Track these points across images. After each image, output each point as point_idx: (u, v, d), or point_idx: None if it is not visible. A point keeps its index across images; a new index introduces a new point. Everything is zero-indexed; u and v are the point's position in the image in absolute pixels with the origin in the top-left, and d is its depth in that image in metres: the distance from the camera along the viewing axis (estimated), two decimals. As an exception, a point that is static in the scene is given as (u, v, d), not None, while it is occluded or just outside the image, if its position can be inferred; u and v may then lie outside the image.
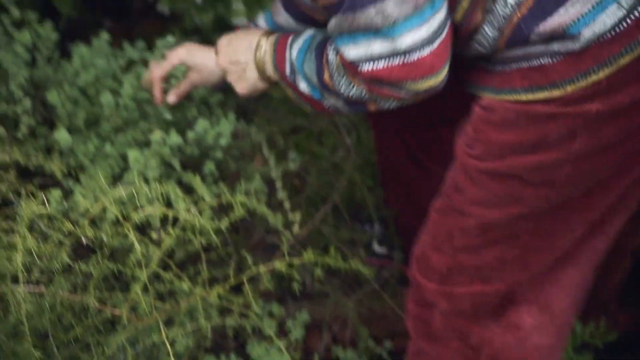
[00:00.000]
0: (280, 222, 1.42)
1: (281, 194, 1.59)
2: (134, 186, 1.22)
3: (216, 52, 1.38)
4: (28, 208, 1.18)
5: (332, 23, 1.10)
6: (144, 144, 1.49)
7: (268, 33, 1.33)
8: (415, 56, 1.08)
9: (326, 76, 1.21)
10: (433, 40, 1.08)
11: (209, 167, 1.51)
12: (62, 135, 1.45)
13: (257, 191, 1.55)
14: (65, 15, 1.92)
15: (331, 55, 1.18)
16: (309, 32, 1.27)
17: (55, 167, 1.43)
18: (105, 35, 1.59)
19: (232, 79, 1.37)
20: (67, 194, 1.41)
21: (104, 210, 1.25)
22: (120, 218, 1.21)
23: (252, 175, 1.59)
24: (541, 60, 1.12)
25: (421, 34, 1.07)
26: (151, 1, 2.08)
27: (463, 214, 1.26)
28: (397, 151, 1.67)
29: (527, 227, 1.26)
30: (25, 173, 1.47)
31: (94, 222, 1.26)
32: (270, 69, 1.31)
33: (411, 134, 1.63)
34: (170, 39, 1.60)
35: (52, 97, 1.49)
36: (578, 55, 1.10)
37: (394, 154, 1.68)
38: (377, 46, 1.08)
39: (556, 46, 1.10)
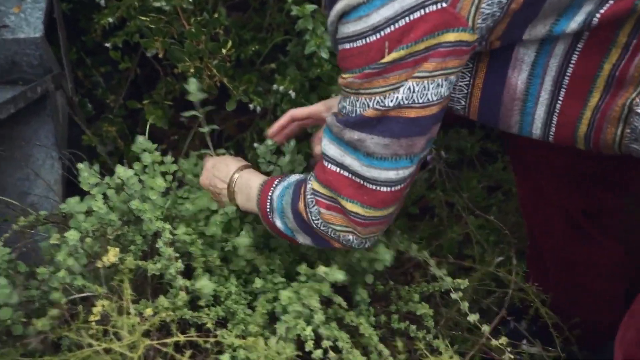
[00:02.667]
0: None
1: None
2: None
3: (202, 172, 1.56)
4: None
5: (329, 119, 1.26)
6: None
7: (244, 167, 1.51)
8: (373, 187, 1.23)
9: (301, 204, 1.34)
10: (396, 184, 1.23)
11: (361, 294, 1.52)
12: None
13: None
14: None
15: (308, 184, 1.32)
16: (296, 175, 1.42)
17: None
18: None
19: (213, 195, 1.55)
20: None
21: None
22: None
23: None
24: None
25: (388, 175, 1.22)
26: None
27: None
28: (554, 218, 1.59)
29: None
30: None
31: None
32: (249, 205, 1.47)
33: (574, 197, 1.55)
34: None
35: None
36: None
37: (550, 222, 1.60)
38: (349, 159, 1.23)
39: None
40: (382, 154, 1.20)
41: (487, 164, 2.21)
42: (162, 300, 1.33)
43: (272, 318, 1.47)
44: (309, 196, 1.32)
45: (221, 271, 1.54)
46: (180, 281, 1.37)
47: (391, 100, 1.16)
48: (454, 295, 1.43)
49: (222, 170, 1.52)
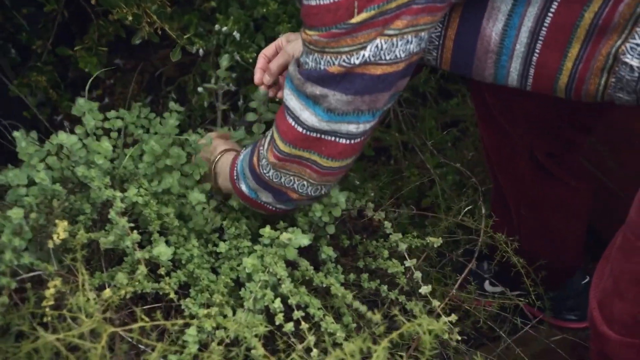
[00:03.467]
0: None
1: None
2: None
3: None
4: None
5: (292, 69, 1.19)
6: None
7: (227, 150, 1.47)
8: (332, 138, 1.19)
9: (254, 159, 1.32)
10: (356, 137, 1.20)
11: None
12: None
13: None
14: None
15: (263, 139, 1.31)
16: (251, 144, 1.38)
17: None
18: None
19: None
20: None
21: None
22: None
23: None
24: None
25: (349, 128, 1.18)
26: None
27: None
28: (519, 162, 1.53)
29: None
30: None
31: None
32: (226, 184, 1.43)
33: (541, 140, 1.50)
34: None
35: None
36: None
37: (515, 166, 1.54)
38: (307, 114, 1.18)
39: None
40: (343, 110, 1.16)
41: (441, 101, 2.15)
42: (120, 277, 1.23)
43: (238, 283, 1.40)
44: (261, 150, 1.29)
45: (179, 231, 1.45)
46: (138, 254, 1.27)
47: (357, 58, 1.09)
48: (408, 263, 1.37)
49: (209, 151, 1.50)
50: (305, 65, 1.15)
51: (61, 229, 1.24)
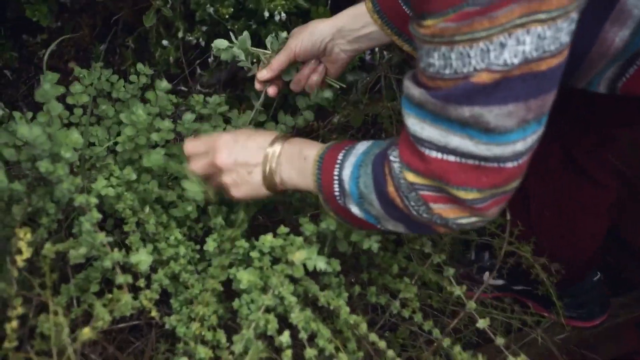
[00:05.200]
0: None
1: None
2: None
3: (216, 150, 1.18)
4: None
5: (415, 92, 0.93)
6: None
7: (286, 137, 1.17)
8: (496, 164, 0.92)
9: (390, 189, 1.01)
10: (523, 155, 0.93)
11: None
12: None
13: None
14: None
15: (395, 163, 1.00)
16: (363, 146, 1.09)
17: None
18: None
19: (229, 180, 1.18)
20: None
21: None
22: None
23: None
24: None
25: (515, 148, 0.91)
26: None
27: None
28: (548, 157, 1.34)
29: None
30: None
31: None
32: (300, 180, 1.14)
33: (575, 133, 1.33)
34: None
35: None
36: None
37: (544, 161, 1.33)
38: (457, 140, 0.91)
39: None
40: (506, 125, 0.89)
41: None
42: (101, 311, 1.03)
43: (227, 284, 1.22)
44: (401, 181, 1.00)
45: (158, 217, 1.26)
46: (121, 277, 1.07)
47: (514, 56, 0.85)
48: (436, 259, 1.22)
49: (249, 145, 1.17)
50: (430, 69, 0.90)
51: (24, 245, 1.02)
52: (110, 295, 1.07)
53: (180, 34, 1.77)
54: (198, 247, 1.27)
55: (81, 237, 1.10)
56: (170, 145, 1.32)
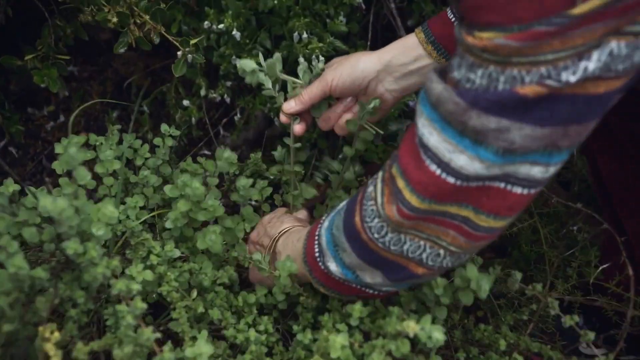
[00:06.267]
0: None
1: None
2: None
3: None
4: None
5: (437, 87, 0.78)
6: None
7: (298, 225, 1.13)
8: (503, 185, 0.79)
9: (356, 219, 0.91)
10: (537, 185, 0.79)
11: None
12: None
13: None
14: None
15: (374, 182, 0.89)
16: (343, 203, 1.00)
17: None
18: None
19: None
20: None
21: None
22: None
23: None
24: None
25: (532, 173, 0.78)
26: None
27: None
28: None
29: None
30: None
31: None
32: (299, 264, 1.04)
33: None
34: None
35: None
36: None
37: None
38: (465, 159, 0.77)
39: None
40: (528, 147, 0.75)
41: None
42: None
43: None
44: (371, 206, 0.87)
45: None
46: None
47: (573, 73, 0.69)
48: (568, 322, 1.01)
49: (275, 226, 1.08)
50: (467, 84, 0.75)
51: (51, 347, 0.82)
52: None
53: (202, 92, 1.59)
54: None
55: (120, 332, 0.90)
56: (224, 217, 1.13)
